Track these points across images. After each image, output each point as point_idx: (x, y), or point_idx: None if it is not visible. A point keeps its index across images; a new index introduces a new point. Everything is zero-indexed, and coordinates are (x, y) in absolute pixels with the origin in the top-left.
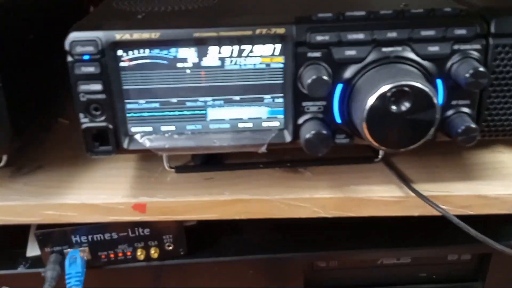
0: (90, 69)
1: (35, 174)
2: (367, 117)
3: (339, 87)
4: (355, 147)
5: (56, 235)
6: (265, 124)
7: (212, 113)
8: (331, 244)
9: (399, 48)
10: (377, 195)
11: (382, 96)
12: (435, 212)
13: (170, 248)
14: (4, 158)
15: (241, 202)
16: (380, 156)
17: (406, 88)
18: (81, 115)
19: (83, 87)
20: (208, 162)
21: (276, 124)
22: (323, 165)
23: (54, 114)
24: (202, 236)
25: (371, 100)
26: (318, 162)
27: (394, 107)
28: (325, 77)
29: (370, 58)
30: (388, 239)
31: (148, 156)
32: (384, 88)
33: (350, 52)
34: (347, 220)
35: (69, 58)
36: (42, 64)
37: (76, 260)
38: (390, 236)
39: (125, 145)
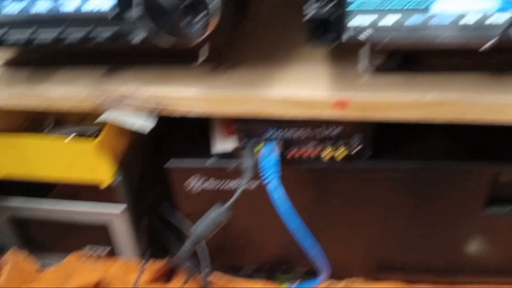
0: None
1: (237, 69)
2: None
3: None
4: None
5: (253, 129)
6: (492, 19)
7: (436, 6)
8: None
9: None
10: None
11: None
12: None
13: (356, 150)
14: (204, 53)
15: (445, 103)
16: None
17: None
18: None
19: None
20: (408, 62)
21: (505, 18)
22: None
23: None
24: (385, 142)
25: None
26: None
27: None
28: None
29: None
30: None
31: (346, 55)
32: None
33: None
34: None
35: None
36: None
37: (271, 153)
38: None
39: (344, 37)
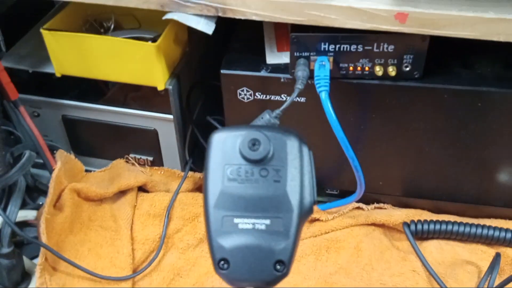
0: None
1: None
2: None
3: None
4: None
5: (308, 40)
6: None
7: None
8: None
9: None
10: None
11: None
12: None
13: (407, 69)
14: None
15: (506, 21)
16: None
17: None
18: None
19: None
20: None
21: None
22: None
23: None
24: (435, 65)
25: None
26: None
27: None
28: None
29: None
30: None
31: None
32: None
33: None
34: None
35: None
36: None
37: (325, 65)
38: None
39: None
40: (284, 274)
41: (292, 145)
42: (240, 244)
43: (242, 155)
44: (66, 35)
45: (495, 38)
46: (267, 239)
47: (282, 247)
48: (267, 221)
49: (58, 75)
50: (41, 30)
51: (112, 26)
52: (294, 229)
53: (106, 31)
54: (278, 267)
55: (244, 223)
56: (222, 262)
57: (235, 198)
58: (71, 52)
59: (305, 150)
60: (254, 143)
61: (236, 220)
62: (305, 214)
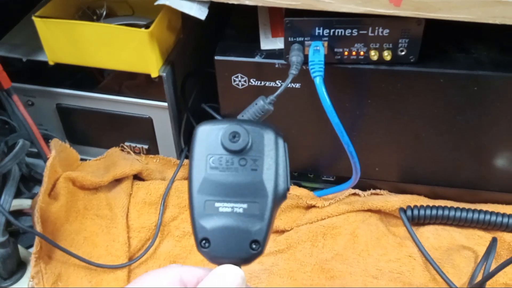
0: None
1: None
2: None
3: None
4: None
5: (303, 24)
6: None
7: None
8: None
9: None
10: None
11: None
12: None
13: (403, 53)
14: None
15: (502, 4)
16: None
17: None
18: None
19: None
20: None
21: None
22: None
23: None
24: (431, 50)
25: None
26: None
27: None
28: None
29: None
30: None
31: None
32: None
33: None
34: None
35: None
36: None
37: (319, 50)
38: None
39: None
40: (259, 253)
41: (269, 137)
42: (220, 225)
43: (224, 146)
44: (58, 23)
45: (491, 21)
46: (244, 221)
47: (257, 228)
48: (245, 205)
49: (51, 63)
50: (33, 18)
51: (105, 13)
52: (269, 212)
53: (99, 18)
54: (253, 246)
55: (224, 206)
56: (204, 241)
57: (216, 185)
58: (63, 40)
59: (281, 142)
60: (234, 136)
61: (217, 204)
62: (279, 199)
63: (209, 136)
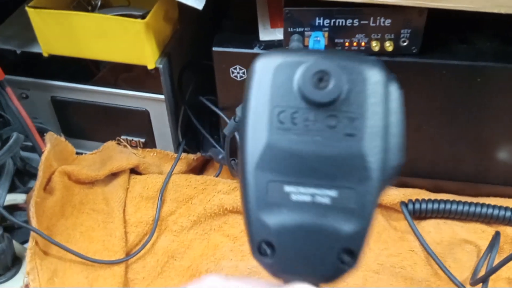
0: None
1: None
2: None
3: None
4: None
5: (302, 14)
6: None
7: None
8: None
9: None
10: None
11: None
12: None
13: (405, 44)
14: None
15: None
16: None
17: None
18: None
19: None
20: None
21: None
22: None
23: None
24: (433, 41)
25: None
26: None
27: None
28: None
29: None
30: None
31: None
32: None
33: None
34: None
35: None
36: None
37: (319, 41)
38: None
39: None
40: (351, 268)
41: (375, 82)
42: (291, 222)
43: (302, 95)
44: (52, 13)
45: (495, 10)
46: (332, 219)
47: (352, 230)
48: (334, 193)
49: (45, 54)
50: (26, 8)
51: (100, 4)
52: (371, 205)
53: (94, 9)
54: (344, 257)
55: (300, 193)
56: (264, 246)
57: (287, 156)
58: (58, 31)
59: (394, 90)
60: (321, 78)
61: (287, 188)
62: (387, 182)
63: (277, 76)
